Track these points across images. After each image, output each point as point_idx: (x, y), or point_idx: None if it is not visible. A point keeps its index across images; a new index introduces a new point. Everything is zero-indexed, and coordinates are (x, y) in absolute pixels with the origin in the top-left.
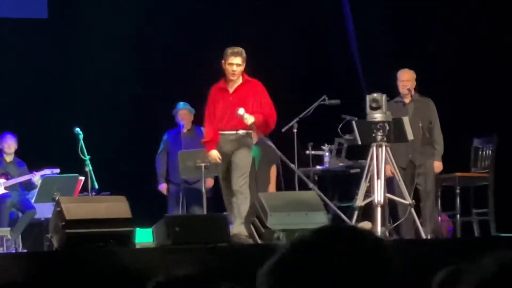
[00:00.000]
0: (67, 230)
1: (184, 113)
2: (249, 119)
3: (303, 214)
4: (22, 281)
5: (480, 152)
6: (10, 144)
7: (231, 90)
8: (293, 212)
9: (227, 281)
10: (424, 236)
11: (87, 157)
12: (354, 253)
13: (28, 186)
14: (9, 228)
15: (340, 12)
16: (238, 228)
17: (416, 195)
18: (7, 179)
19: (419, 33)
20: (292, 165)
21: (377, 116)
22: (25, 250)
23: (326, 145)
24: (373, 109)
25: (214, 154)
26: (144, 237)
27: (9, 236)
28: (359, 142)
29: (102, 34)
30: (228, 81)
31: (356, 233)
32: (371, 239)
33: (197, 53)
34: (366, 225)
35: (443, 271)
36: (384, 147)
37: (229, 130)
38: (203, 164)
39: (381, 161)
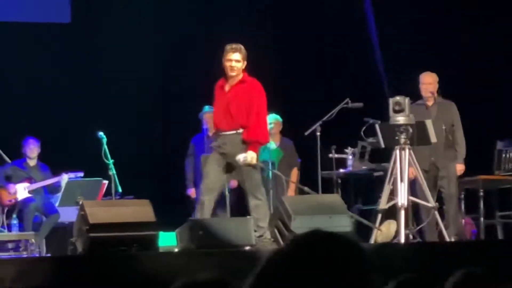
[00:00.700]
0: (91, 234)
1: (209, 116)
2: (252, 159)
3: (326, 217)
4: (46, 285)
5: (504, 155)
6: (33, 149)
7: (227, 88)
8: (316, 216)
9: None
10: (447, 239)
11: (111, 161)
12: (330, 260)
13: (52, 189)
14: (33, 232)
15: (363, 15)
16: (260, 231)
17: (439, 198)
18: (31, 183)
19: (442, 36)
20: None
21: (400, 119)
22: (49, 254)
23: (349, 148)
24: (396, 112)
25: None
26: (167, 240)
27: (33, 240)
28: (382, 145)
29: (125, 38)
30: (228, 78)
31: (332, 239)
32: (348, 244)
33: (220, 54)
34: (391, 224)
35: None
36: (407, 150)
37: (228, 130)
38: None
39: (404, 164)
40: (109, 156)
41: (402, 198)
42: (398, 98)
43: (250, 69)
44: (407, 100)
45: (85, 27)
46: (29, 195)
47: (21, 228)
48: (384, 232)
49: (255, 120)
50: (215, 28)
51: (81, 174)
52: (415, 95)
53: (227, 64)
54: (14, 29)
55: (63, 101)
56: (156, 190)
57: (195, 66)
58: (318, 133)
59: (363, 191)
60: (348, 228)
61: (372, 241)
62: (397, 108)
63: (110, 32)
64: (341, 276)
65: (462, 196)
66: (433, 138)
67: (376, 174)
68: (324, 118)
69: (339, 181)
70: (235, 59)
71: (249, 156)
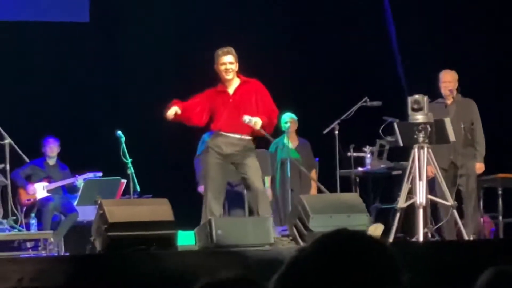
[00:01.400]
0: (110, 233)
1: None
2: (257, 123)
3: (345, 216)
4: (65, 284)
5: None
6: (53, 148)
7: (231, 92)
8: (335, 214)
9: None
10: (466, 238)
11: (129, 160)
12: (358, 259)
13: (70, 189)
14: (51, 231)
15: (382, 12)
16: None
17: (458, 197)
18: (50, 182)
19: (462, 33)
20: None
21: (419, 117)
22: (68, 253)
23: (367, 146)
24: (415, 110)
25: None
26: (186, 239)
27: (51, 239)
28: (401, 144)
29: (143, 37)
30: (225, 82)
31: (360, 238)
32: (375, 243)
33: (239, 54)
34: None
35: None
36: (426, 149)
37: (232, 133)
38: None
39: (423, 163)
40: (127, 155)
41: (421, 196)
42: (416, 96)
43: (269, 67)
44: (425, 98)
45: (103, 26)
46: (48, 194)
47: (40, 227)
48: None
49: (270, 105)
50: (232, 26)
51: (100, 174)
52: (433, 93)
53: (222, 67)
54: (33, 28)
55: (82, 100)
56: (174, 189)
57: (213, 64)
58: (337, 132)
59: (382, 190)
60: (366, 227)
61: (391, 239)
62: (415, 106)
63: (129, 31)
64: (369, 276)
65: (481, 194)
66: (452, 137)
67: (394, 172)
68: (343, 117)
69: (358, 179)
70: (228, 62)
71: (254, 120)
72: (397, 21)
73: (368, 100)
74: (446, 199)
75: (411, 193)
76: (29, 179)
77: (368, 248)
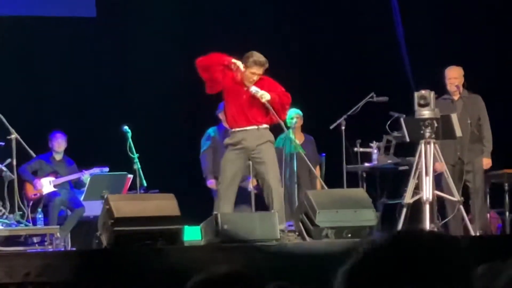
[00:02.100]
0: (116, 228)
1: None
2: (264, 96)
3: (351, 211)
4: (71, 279)
5: None
6: (60, 143)
7: (245, 88)
8: (341, 210)
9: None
10: (472, 233)
11: (136, 155)
12: (431, 256)
13: (77, 184)
14: (58, 226)
15: (388, 8)
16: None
17: (465, 192)
18: (56, 177)
19: (468, 28)
20: None
21: (426, 113)
22: (74, 248)
23: (374, 142)
24: (422, 106)
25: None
26: (192, 235)
27: (58, 234)
28: (408, 139)
29: (150, 32)
30: (240, 76)
31: (436, 238)
32: (450, 242)
33: (246, 50)
34: None
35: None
36: (432, 144)
37: (248, 126)
38: (251, 162)
39: (429, 158)
40: (134, 150)
41: (427, 192)
42: (423, 92)
43: (276, 63)
44: (432, 94)
45: (110, 21)
46: (55, 189)
47: (46, 222)
48: None
49: (282, 89)
50: (239, 22)
51: (106, 169)
52: (440, 89)
53: (251, 75)
54: (40, 23)
55: (89, 95)
56: (180, 184)
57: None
58: (343, 127)
59: (388, 185)
60: (373, 223)
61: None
62: (422, 102)
63: (135, 26)
64: (441, 272)
65: (488, 190)
66: (459, 132)
67: (401, 168)
68: (349, 112)
69: (364, 175)
70: (258, 74)
71: (262, 92)
72: (404, 16)
73: (374, 95)
74: (452, 195)
75: (417, 188)
76: (36, 174)
77: (442, 246)
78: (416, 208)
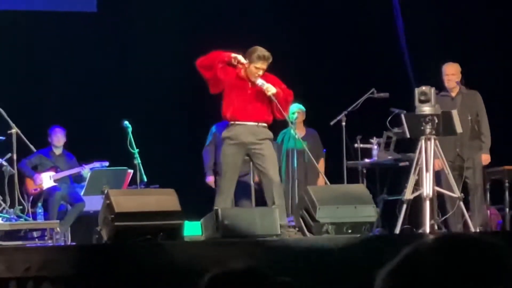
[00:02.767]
0: (116, 223)
1: None
2: (270, 89)
3: (351, 207)
4: (71, 274)
5: None
6: (60, 137)
7: (250, 83)
8: (342, 205)
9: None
10: (472, 230)
11: (136, 150)
12: (478, 263)
13: (77, 178)
14: (58, 221)
15: (389, 4)
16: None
17: (464, 189)
18: (57, 172)
19: (469, 24)
20: None
21: (426, 109)
22: (74, 243)
23: (374, 138)
24: (422, 102)
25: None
26: (193, 230)
27: (58, 229)
28: (408, 135)
29: (150, 27)
30: (243, 72)
31: (482, 243)
32: (497, 249)
33: (247, 45)
34: None
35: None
36: (432, 140)
37: (249, 121)
38: (251, 158)
39: (429, 154)
40: (134, 145)
41: (428, 188)
42: (424, 88)
43: (277, 59)
44: (433, 90)
45: (110, 16)
46: (55, 184)
47: (46, 217)
48: None
49: (285, 86)
50: (240, 18)
51: (106, 163)
52: (441, 85)
53: (255, 70)
54: (40, 18)
55: (89, 89)
56: (181, 179)
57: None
58: (344, 123)
59: (389, 181)
60: (373, 219)
61: (397, 230)
62: (423, 98)
63: (136, 21)
64: (484, 277)
65: (487, 186)
66: (459, 129)
67: (401, 164)
68: (350, 108)
69: (365, 171)
70: (262, 68)
71: (268, 84)
72: (405, 12)
73: (375, 91)
74: (452, 191)
75: (418, 184)
76: (36, 169)
77: (488, 252)
78: (416, 204)
